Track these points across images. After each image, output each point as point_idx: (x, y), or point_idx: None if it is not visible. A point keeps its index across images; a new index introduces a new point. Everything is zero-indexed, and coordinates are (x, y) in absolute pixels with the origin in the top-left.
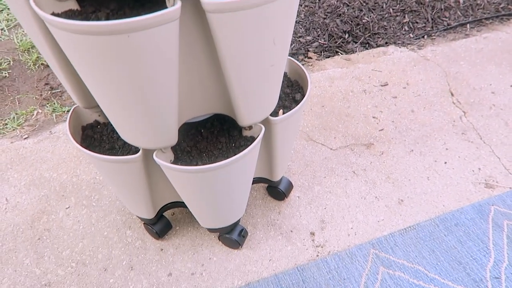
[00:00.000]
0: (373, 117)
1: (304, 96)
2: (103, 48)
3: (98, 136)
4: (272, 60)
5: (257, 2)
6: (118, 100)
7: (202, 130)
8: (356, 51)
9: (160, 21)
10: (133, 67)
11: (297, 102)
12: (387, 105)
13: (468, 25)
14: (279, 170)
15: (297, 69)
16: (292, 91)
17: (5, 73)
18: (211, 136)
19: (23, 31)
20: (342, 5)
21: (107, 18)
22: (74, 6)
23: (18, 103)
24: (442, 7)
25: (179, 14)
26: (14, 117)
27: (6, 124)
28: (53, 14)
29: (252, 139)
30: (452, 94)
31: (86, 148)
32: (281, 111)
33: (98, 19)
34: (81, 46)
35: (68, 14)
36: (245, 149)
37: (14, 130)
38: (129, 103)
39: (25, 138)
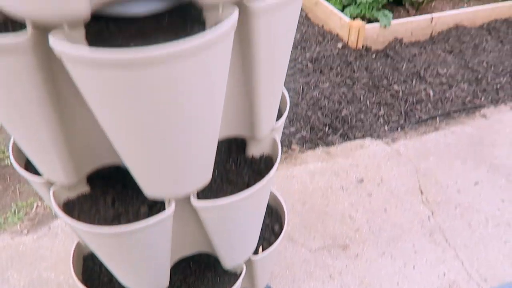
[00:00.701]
0: (349, 216)
1: (282, 228)
2: None
3: (98, 268)
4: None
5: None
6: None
7: (191, 263)
8: (335, 143)
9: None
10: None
11: (276, 235)
12: (362, 203)
13: (437, 118)
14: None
15: (275, 198)
16: (271, 221)
17: (7, 161)
18: (198, 270)
19: None
20: (323, 98)
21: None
22: None
23: (19, 193)
24: (414, 100)
25: (173, 211)
26: (15, 210)
27: (7, 218)
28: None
29: (235, 275)
30: (421, 192)
31: (84, 284)
32: (260, 248)
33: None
34: None
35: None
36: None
37: (15, 224)
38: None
39: (25, 234)
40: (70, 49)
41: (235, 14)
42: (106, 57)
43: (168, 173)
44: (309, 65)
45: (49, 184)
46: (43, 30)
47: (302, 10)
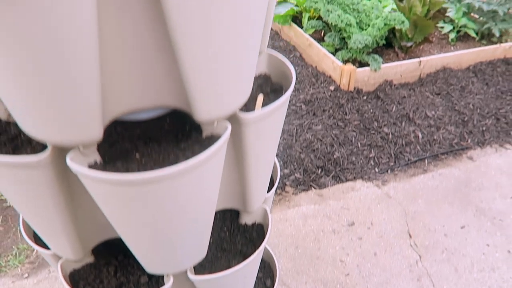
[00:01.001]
0: (341, 261)
1: (274, 282)
2: None
3: None
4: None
5: None
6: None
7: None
8: (328, 185)
9: None
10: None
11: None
12: (353, 247)
13: (426, 160)
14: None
15: (267, 252)
16: (264, 276)
17: (9, 202)
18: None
19: None
20: (316, 140)
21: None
22: None
23: (20, 235)
24: (404, 142)
25: None
26: (16, 253)
27: (9, 261)
28: None
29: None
30: (410, 236)
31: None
32: (260, 97)
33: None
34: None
35: None
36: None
37: (16, 267)
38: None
39: (25, 278)
40: (87, 172)
41: (227, 131)
42: (117, 179)
43: (166, 256)
44: (303, 107)
45: (57, 256)
46: (60, 149)
47: (296, 50)
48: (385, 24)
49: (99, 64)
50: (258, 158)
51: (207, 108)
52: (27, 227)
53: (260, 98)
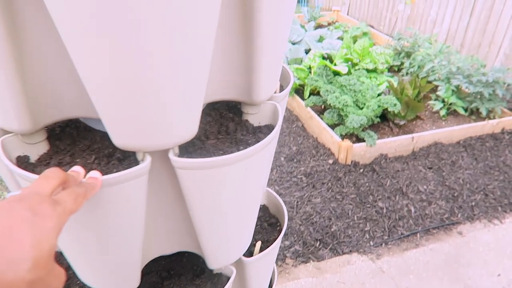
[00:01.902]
0: None
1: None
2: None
3: None
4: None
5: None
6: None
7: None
8: (325, 258)
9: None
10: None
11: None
12: None
13: (418, 234)
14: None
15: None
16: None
17: None
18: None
19: None
20: (315, 213)
21: None
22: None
23: None
24: (397, 216)
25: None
26: None
27: None
28: None
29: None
30: None
31: None
32: (258, 244)
33: None
34: None
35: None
36: None
37: None
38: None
39: None
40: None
41: (233, 274)
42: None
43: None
44: (304, 179)
45: None
46: None
47: (299, 120)
48: (379, 106)
49: (143, 234)
50: (259, 281)
51: (216, 261)
52: None
53: (258, 244)
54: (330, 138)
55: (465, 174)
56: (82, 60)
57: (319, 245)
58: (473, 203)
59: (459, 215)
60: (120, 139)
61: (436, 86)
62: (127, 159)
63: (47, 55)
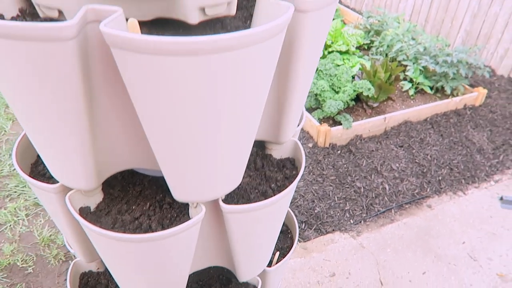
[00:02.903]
0: None
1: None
2: None
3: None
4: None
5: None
6: None
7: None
8: (311, 238)
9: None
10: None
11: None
12: None
13: (392, 210)
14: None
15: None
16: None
17: (30, 269)
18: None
19: (42, 222)
20: (299, 197)
21: None
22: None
23: None
24: (373, 195)
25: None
26: None
27: None
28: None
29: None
30: (381, 283)
31: None
32: (277, 254)
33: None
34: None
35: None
36: None
37: None
38: None
39: None
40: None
41: (259, 285)
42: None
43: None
44: None
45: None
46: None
47: None
48: (354, 91)
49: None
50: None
51: (246, 275)
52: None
53: (277, 254)
54: (309, 122)
55: (433, 151)
56: (158, 143)
57: (304, 226)
58: (440, 178)
59: (428, 190)
60: (181, 195)
61: (405, 66)
62: (176, 202)
63: (115, 125)
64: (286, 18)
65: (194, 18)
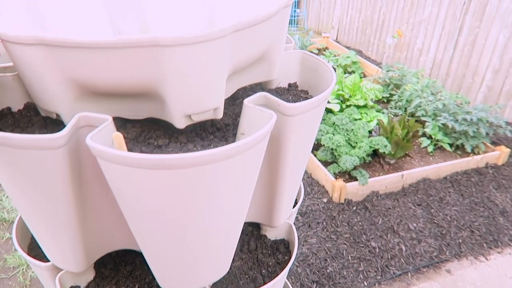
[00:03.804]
0: None
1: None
2: None
3: None
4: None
5: None
6: None
7: None
8: None
9: None
10: None
11: None
12: None
13: (409, 273)
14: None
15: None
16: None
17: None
18: None
19: None
20: (311, 254)
21: None
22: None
23: None
24: (389, 256)
25: None
26: None
27: None
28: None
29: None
30: None
31: None
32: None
33: None
34: None
35: None
36: None
37: None
38: None
39: None
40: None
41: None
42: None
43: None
44: (300, 218)
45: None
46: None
47: None
48: (370, 147)
49: None
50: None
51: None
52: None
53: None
54: (324, 176)
55: (452, 211)
56: (140, 236)
57: (316, 287)
58: (460, 240)
59: (447, 253)
60: (165, 284)
61: (424, 122)
62: None
63: (106, 212)
64: (265, 131)
65: (180, 124)
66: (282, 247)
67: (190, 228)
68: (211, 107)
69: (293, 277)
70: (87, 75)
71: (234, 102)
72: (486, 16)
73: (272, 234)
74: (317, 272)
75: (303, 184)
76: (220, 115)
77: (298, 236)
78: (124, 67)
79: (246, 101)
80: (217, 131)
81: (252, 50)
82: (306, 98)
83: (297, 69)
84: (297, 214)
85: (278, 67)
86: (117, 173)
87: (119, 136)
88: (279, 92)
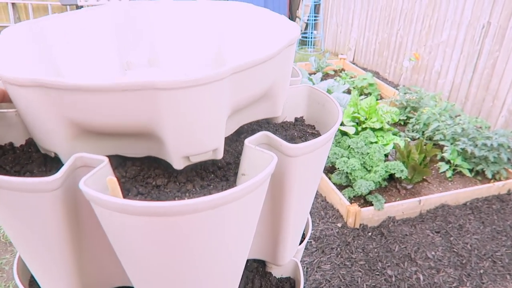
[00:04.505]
0: None
1: None
2: None
3: None
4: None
5: None
6: None
7: None
8: None
9: None
10: None
11: None
12: None
13: None
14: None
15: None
16: None
17: None
18: None
19: None
20: (324, 281)
21: None
22: None
23: None
24: (406, 286)
25: None
26: None
27: None
28: None
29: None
30: None
31: None
32: None
33: None
34: None
35: None
36: None
37: None
38: None
39: None
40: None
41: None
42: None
43: None
44: (313, 243)
45: None
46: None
47: None
48: (386, 171)
49: None
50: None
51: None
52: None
53: None
54: (339, 200)
55: (473, 239)
56: (138, 282)
57: None
58: (482, 271)
59: (468, 284)
60: None
61: (442, 146)
62: None
63: (103, 251)
64: (264, 175)
65: (179, 165)
66: (288, 287)
67: (186, 272)
68: (210, 148)
69: None
70: (83, 116)
71: (238, 138)
72: (506, 39)
73: (278, 272)
74: None
75: (317, 208)
76: (220, 155)
77: (311, 262)
78: (121, 109)
79: (246, 141)
80: (218, 169)
81: (254, 90)
82: (313, 134)
83: (304, 103)
84: (310, 239)
85: (282, 104)
86: (110, 218)
87: (112, 181)
88: (284, 127)
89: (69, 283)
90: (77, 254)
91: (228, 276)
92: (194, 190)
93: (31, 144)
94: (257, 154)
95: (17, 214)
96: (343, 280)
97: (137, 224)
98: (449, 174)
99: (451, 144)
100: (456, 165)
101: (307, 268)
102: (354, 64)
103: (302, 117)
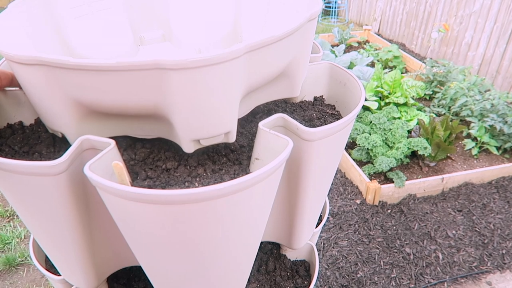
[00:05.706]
0: None
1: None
2: None
3: None
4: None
5: None
6: None
7: None
8: None
9: None
10: None
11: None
12: None
13: (445, 283)
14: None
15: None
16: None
17: None
18: None
19: None
20: (341, 257)
21: None
22: None
23: None
24: (424, 263)
25: None
26: None
27: None
28: None
29: None
30: None
31: None
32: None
33: None
34: None
35: None
36: None
37: None
38: None
39: None
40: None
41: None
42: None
43: None
44: (331, 219)
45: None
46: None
47: None
48: (408, 148)
49: None
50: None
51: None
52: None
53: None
54: (358, 176)
55: (496, 219)
56: (147, 265)
57: None
58: (504, 251)
59: (488, 264)
60: None
61: (469, 122)
62: None
63: (114, 230)
64: (278, 162)
65: (189, 148)
66: (302, 270)
67: (195, 258)
68: (222, 131)
69: (321, 280)
70: (88, 96)
71: (253, 118)
72: None
73: (293, 254)
74: (347, 276)
75: (336, 184)
76: (232, 139)
77: (328, 238)
78: (126, 90)
79: (261, 124)
80: (230, 152)
81: (270, 69)
82: (332, 115)
83: (325, 81)
84: (328, 215)
85: (300, 83)
86: (115, 204)
87: (118, 166)
88: (302, 107)
89: (81, 263)
90: (87, 235)
91: (241, 259)
92: (205, 174)
93: (40, 123)
94: (272, 138)
95: (24, 197)
96: (360, 257)
97: (142, 211)
98: (475, 151)
99: (479, 120)
100: (483, 143)
101: (323, 244)
102: (379, 35)
103: (321, 96)
